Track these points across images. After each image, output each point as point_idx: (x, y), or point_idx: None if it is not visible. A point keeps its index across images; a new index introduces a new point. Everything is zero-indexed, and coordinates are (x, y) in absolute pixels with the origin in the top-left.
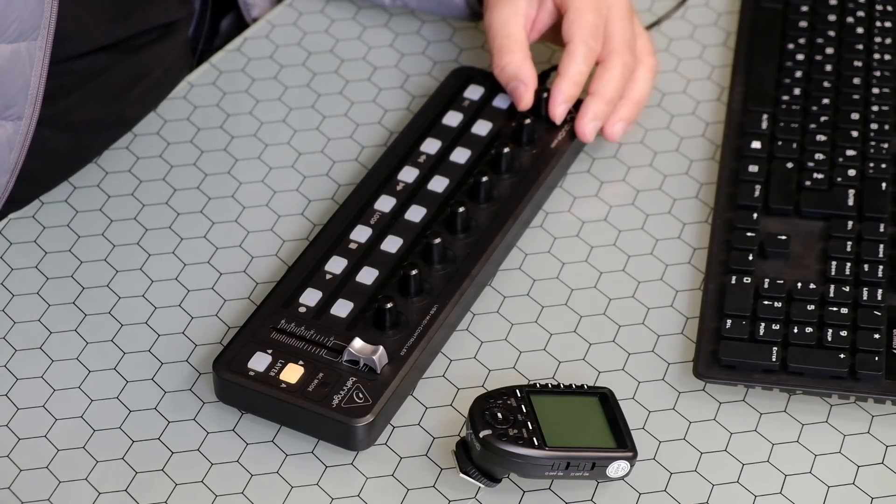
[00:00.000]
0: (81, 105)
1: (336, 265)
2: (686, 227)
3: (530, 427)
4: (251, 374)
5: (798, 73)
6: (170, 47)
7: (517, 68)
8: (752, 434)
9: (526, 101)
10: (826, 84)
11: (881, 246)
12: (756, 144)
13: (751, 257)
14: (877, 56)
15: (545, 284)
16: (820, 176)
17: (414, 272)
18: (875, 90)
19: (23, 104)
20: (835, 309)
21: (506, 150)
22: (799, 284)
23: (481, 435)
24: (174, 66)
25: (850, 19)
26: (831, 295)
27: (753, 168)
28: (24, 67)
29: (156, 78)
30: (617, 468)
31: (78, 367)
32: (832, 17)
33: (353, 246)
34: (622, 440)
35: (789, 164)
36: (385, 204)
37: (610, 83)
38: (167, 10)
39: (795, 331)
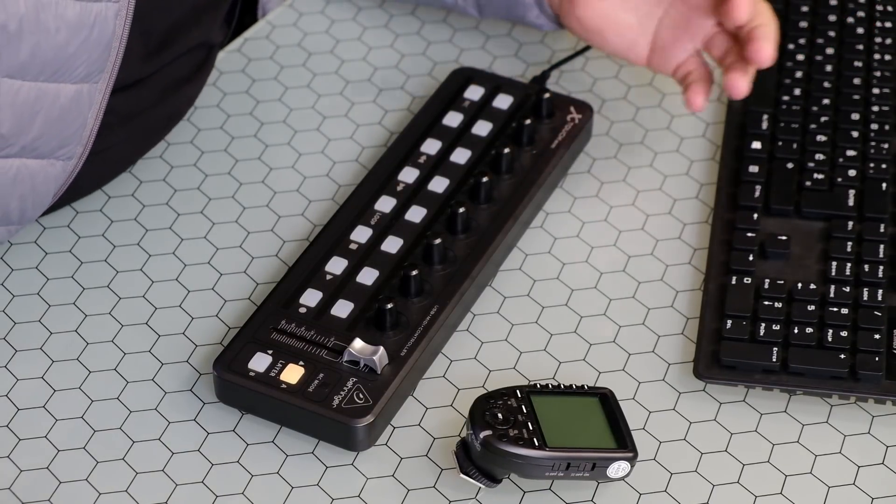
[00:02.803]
0: (115, 145)
1: (336, 266)
2: (686, 228)
3: (531, 427)
4: (251, 374)
5: (798, 73)
6: (202, 82)
7: None
8: (752, 434)
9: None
10: (826, 84)
11: (881, 246)
12: (756, 145)
13: (751, 257)
14: (877, 56)
15: (545, 285)
16: (820, 176)
17: (414, 273)
18: (875, 90)
19: (76, 145)
20: (835, 309)
21: (506, 150)
22: (799, 285)
23: (482, 435)
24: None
25: (850, 19)
26: (831, 295)
27: (754, 168)
28: (83, 109)
29: (182, 116)
30: (617, 469)
31: (78, 367)
32: (832, 17)
33: (353, 246)
34: (622, 440)
35: (790, 165)
36: (385, 204)
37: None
38: (210, 32)
39: (796, 331)
